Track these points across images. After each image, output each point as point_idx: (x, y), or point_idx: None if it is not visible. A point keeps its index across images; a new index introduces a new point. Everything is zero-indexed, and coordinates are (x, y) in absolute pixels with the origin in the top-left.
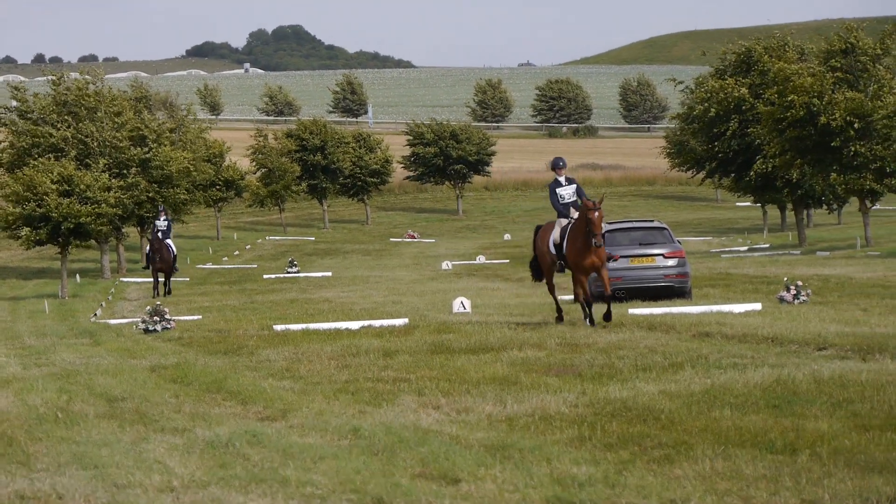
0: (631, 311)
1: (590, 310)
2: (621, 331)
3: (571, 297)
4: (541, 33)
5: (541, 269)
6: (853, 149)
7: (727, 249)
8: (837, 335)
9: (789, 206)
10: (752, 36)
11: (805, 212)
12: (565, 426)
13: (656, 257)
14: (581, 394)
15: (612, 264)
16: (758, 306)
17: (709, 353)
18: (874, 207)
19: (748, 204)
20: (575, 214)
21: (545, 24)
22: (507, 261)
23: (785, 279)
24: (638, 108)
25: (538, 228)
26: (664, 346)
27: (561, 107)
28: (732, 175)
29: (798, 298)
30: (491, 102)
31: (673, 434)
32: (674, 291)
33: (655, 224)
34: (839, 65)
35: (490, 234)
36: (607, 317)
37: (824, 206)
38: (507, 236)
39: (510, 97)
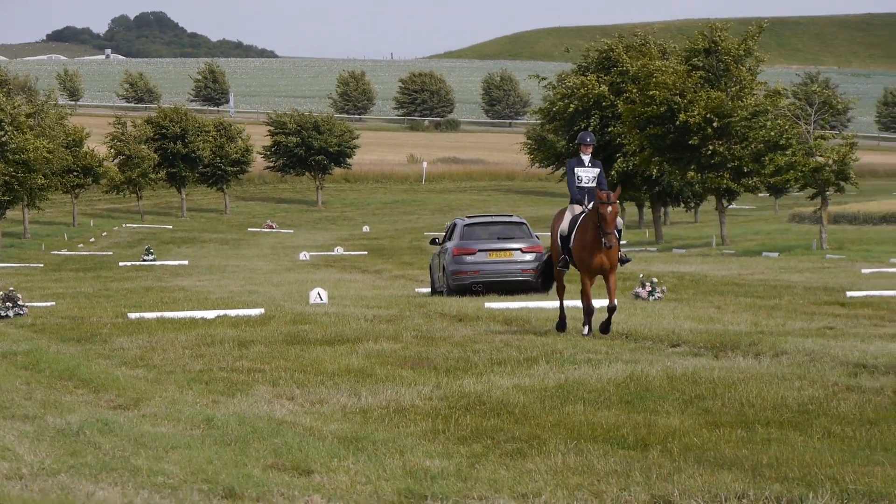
0: (487, 304)
1: (588, 319)
2: (477, 324)
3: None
4: (405, 26)
5: (548, 276)
6: (711, 148)
7: None
8: (691, 332)
9: (647, 203)
10: (615, 34)
11: (662, 209)
12: (419, 419)
13: (514, 252)
14: (436, 387)
15: (469, 258)
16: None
17: (563, 348)
18: (730, 206)
19: None
20: (591, 205)
21: (409, 17)
22: (366, 252)
23: (641, 276)
24: (500, 103)
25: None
26: (519, 340)
27: (424, 100)
28: None
29: (653, 295)
30: (354, 94)
31: (526, 428)
32: (530, 286)
33: (514, 219)
34: (701, 64)
35: (349, 225)
36: (604, 328)
37: (681, 204)
38: (365, 228)
39: (373, 89)
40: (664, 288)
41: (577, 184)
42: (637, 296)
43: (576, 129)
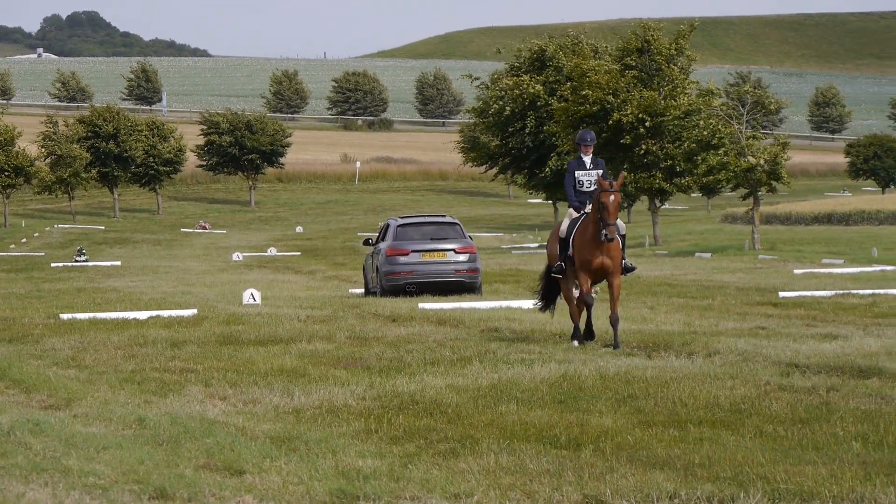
0: (421, 305)
1: (588, 320)
2: (411, 325)
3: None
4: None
5: (551, 291)
6: (644, 147)
7: (518, 246)
8: (624, 332)
9: None
10: (548, 33)
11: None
12: (352, 419)
13: (447, 252)
14: (369, 387)
15: (402, 259)
16: None
17: (497, 349)
18: (663, 207)
19: (540, 201)
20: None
21: (342, 17)
22: (299, 253)
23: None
24: (433, 102)
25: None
26: (453, 340)
27: (357, 99)
28: (526, 171)
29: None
30: (287, 94)
31: (459, 428)
32: (464, 286)
33: (447, 219)
34: (634, 63)
35: (282, 226)
36: (614, 345)
37: None
38: (299, 229)
39: (306, 88)
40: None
41: (577, 188)
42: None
43: (510, 129)
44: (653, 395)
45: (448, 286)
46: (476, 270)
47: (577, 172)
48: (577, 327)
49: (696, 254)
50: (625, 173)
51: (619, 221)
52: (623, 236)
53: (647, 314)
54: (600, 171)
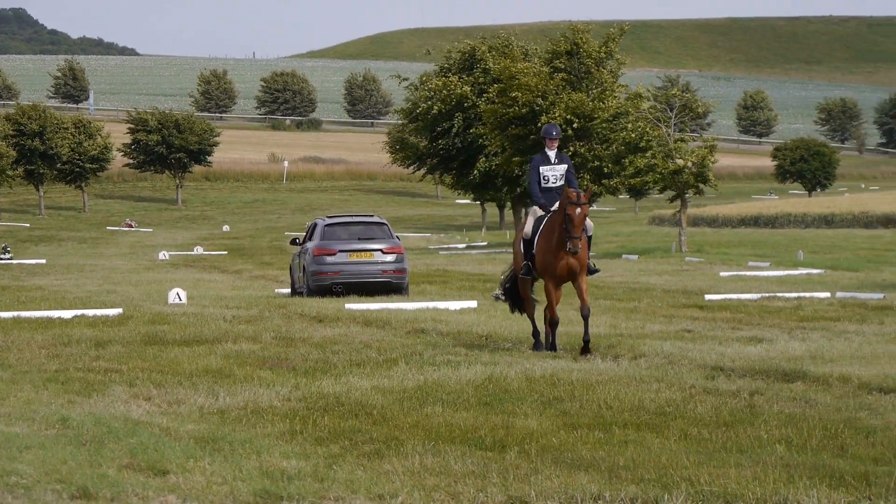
0: (347, 306)
1: (553, 330)
2: (337, 325)
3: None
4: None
5: (520, 293)
6: (572, 149)
7: (445, 246)
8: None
9: (508, 204)
10: (478, 35)
11: (524, 210)
12: (277, 420)
13: (375, 252)
14: (294, 388)
15: (329, 259)
16: (474, 304)
17: (423, 350)
18: (591, 208)
19: (468, 201)
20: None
21: (272, 17)
22: (226, 252)
23: (502, 277)
24: (362, 102)
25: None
26: (379, 341)
27: (286, 99)
28: (454, 172)
29: None
30: (215, 93)
31: (384, 429)
32: (391, 287)
33: (375, 219)
34: (563, 66)
35: (209, 224)
36: (585, 348)
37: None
38: (225, 227)
39: (235, 88)
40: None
41: (542, 184)
42: (497, 298)
43: (438, 129)
44: (578, 398)
45: (375, 286)
46: (403, 271)
47: (541, 168)
48: (535, 323)
49: (623, 256)
50: (594, 187)
51: (587, 220)
52: (590, 237)
53: (573, 316)
54: (566, 166)
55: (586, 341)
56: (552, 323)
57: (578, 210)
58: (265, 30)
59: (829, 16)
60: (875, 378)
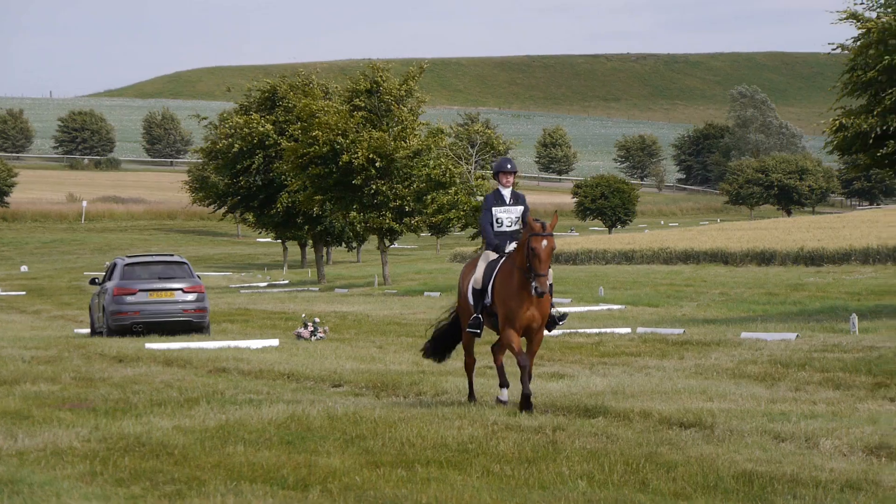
0: (148, 345)
1: (524, 386)
2: (137, 365)
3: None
4: (65, 64)
5: (445, 342)
6: (374, 187)
7: (247, 285)
8: (353, 372)
9: (310, 242)
10: (278, 73)
11: (325, 249)
12: (77, 461)
13: (175, 292)
14: (94, 428)
15: (130, 298)
16: (275, 342)
17: (225, 389)
18: (392, 246)
19: (269, 240)
20: (512, 247)
21: (69, 55)
22: (24, 293)
23: (303, 315)
24: (162, 141)
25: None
26: (180, 381)
27: (84, 139)
28: (256, 210)
29: (315, 335)
30: (11, 133)
31: (186, 469)
32: (192, 326)
33: (175, 258)
34: (364, 104)
35: (7, 265)
36: (526, 404)
37: (343, 244)
38: (24, 268)
39: (31, 127)
40: (326, 328)
41: (494, 226)
42: (299, 336)
43: (239, 167)
44: (381, 435)
45: (176, 326)
46: (204, 310)
47: (494, 209)
48: (472, 383)
49: (426, 293)
50: (558, 214)
51: (549, 270)
52: (551, 285)
53: (376, 353)
54: (522, 208)
55: (526, 395)
56: (523, 366)
57: (545, 242)
58: (63, 68)
59: (627, 53)
60: (675, 413)
